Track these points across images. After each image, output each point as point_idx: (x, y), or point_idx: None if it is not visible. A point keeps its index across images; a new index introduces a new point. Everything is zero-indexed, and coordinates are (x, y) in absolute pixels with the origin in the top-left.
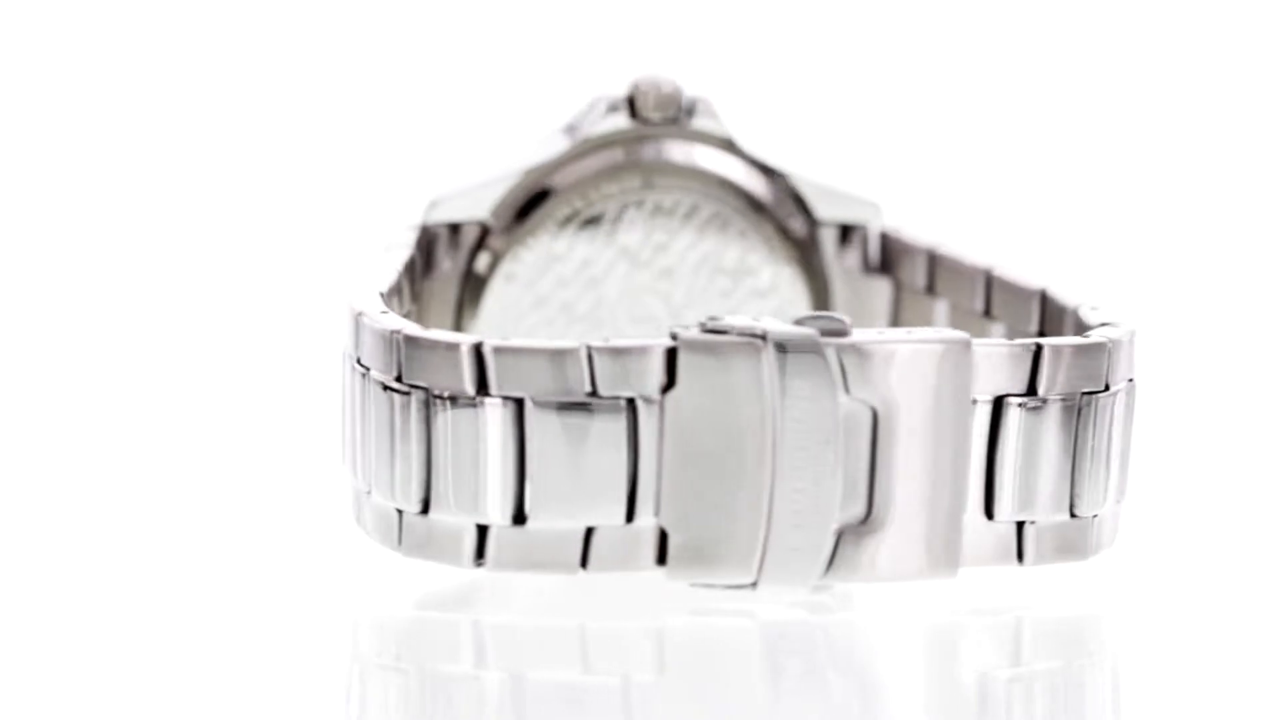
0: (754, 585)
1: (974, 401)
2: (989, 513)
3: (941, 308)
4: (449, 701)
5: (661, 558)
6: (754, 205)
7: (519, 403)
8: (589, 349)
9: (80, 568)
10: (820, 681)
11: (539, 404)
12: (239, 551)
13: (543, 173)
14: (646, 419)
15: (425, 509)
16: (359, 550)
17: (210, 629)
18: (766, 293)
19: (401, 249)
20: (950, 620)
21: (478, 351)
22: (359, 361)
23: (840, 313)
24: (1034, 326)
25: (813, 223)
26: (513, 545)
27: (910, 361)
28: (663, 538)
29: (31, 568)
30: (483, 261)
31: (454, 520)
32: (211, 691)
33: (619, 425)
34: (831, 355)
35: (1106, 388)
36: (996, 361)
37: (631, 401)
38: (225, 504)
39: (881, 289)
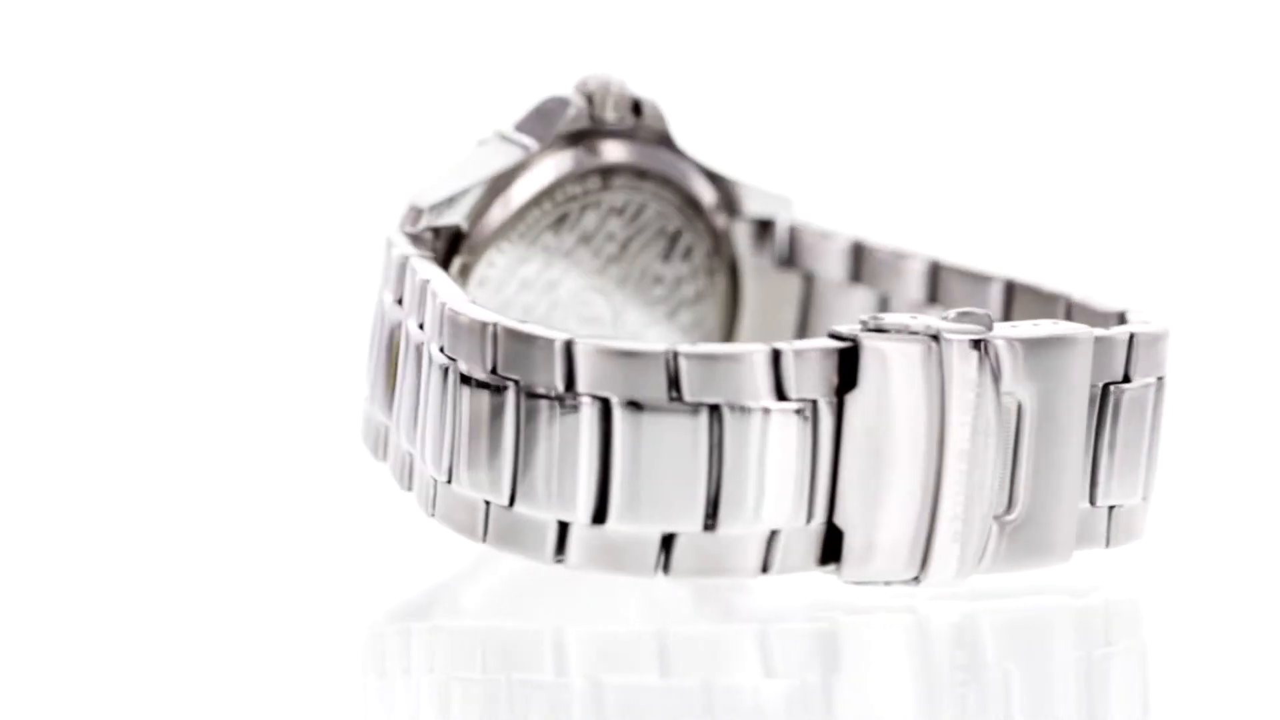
0: (916, 580)
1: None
2: (1092, 499)
3: (867, 297)
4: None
5: (825, 558)
6: (692, 204)
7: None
8: (773, 350)
9: (84, 567)
10: (979, 674)
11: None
12: (241, 552)
13: (512, 176)
14: (826, 420)
15: (512, 502)
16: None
17: (216, 629)
18: (696, 299)
19: (403, 248)
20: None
21: (673, 358)
22: (442, 351)
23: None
24: (998, 312)
25: (732, 218)
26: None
27: (1051, 354)
28: (830, 538)
29: (49, 567)
30: (457, 266)
31: (540, 515)
32: (220, 693)
33: (795, 428)
34: (991, 350)
35: (1129, 379)
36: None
37: (814, 403)
38: (226, 504)
39: (791, 282)
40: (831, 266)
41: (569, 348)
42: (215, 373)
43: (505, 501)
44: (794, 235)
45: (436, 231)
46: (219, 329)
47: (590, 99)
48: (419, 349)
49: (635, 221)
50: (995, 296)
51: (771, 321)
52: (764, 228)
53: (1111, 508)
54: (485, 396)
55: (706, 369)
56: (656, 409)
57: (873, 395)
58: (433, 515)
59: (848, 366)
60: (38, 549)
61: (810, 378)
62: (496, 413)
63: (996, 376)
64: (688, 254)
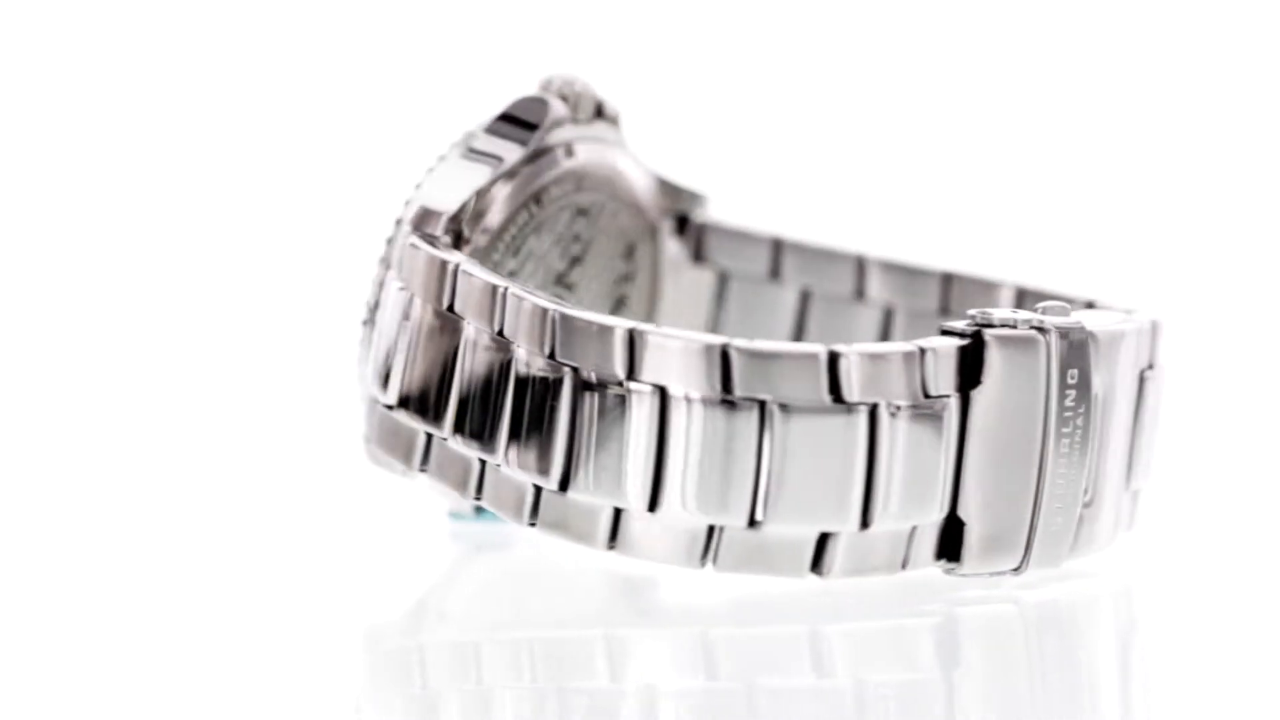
0: (1018, 570)
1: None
2: (1127, 483)
3: (789, 293)
4: None
5: (941, 552)
6: (638, 204)
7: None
8: (919, 349)
9: (84, 568)
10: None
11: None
12: (247, 557)
13: (503, 179)
14: (954, 416)
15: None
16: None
17: (221, 636)
18: (633, 295)
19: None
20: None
21: (723, 353)
22: (500, 334)
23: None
24: (935, 305)
25: (660, 215)
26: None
27: (1117, 344)
28: (947, 533)
29: (51, 567)
30: None
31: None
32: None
33: (933, 425)
34: (1080, 342)
35: (1153, 365)
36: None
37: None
38: (229, 505)
39: (705, 279)
40: (755, 263)
41: (725, 352)
42: (210, 375)
43: (646, 506)
44: (710, 231)
45: (457, 235)
46: (209, 328)
47: (564, 99)
48: (503, 359)
49: (598, 222)
50: (933, 289)
51: (688, 318)
52: (682, 223)
53: (1136, 491)
54: (606, 400)
55: (871, 369)
56: (812, 410)
57: (994, 390)
58: (538, 526)
59: (971, 363)
60: (44, 547)
61: (945, 375)
62: (633, 419)
63: (1087, 367)
64: (630, 252)
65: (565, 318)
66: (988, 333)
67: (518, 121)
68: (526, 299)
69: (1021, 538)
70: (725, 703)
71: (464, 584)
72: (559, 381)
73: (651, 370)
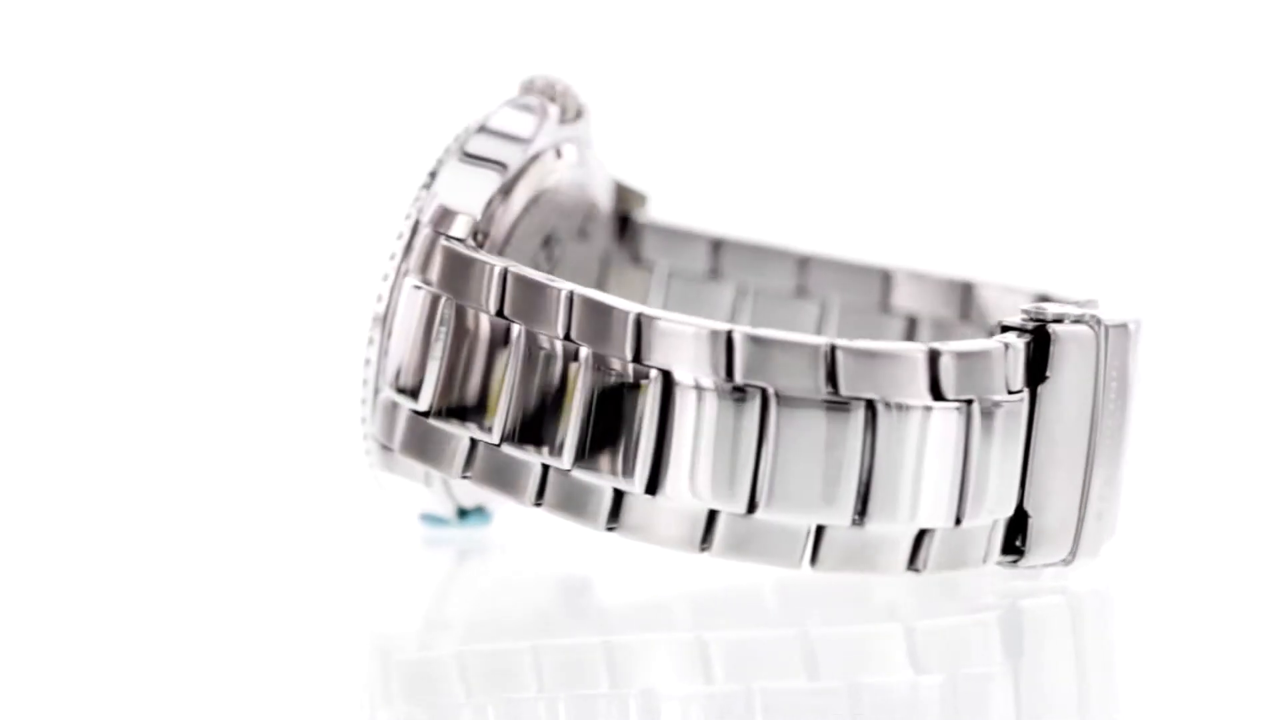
0: (1066, 561)
1: None
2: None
3: (728, 291)
4: None
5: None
6: (597, 204)
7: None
8: (1006, 345)
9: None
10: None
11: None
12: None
13: (514, 181)
14: (1025, 410)
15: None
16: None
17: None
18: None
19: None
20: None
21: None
22: (568, 338)
23: None
24: (876, 299)
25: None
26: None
27: (1128, 338)
28: (1012, 528)
29: (53, 559)
30: None
31: (794, 521)
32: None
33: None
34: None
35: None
36: None
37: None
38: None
39: (645, 278)
40: (691, 262)
41: (832, 351)
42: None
43: (744, 510)
44: (650, 231)
45: (480, 237)
46: (216, 327)
47: (553, 100)
48: (585, 362)
49: (571, 218)
50: (874, 285)
51: None
52: (624, 224)
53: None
54: (736, 403)
55: (966, 365)
56: (916, 408)
57: (1058, 383)
58: (618, 530)
59: (1037, 358)
60: (49, 539)
61: (1019, 371)
62: (747, 422)
63: (1126, 360)
64: (592, 250)
65: (645, 318)
66: (1055, 328)
67: (516, 124)
68: (603, 302)
69: (1072, 527)
70: (827, 703)
71: (460, 591)
72: (642, 383)
73: (760, 372)
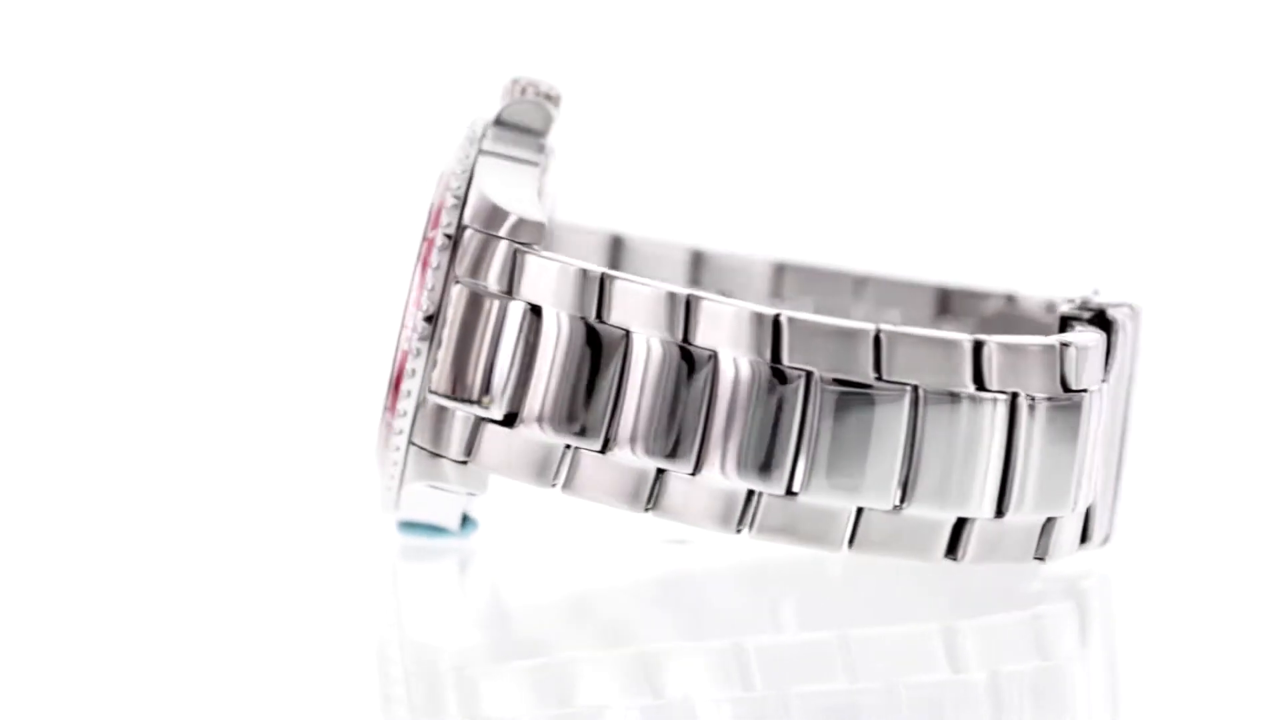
0: (1105, 542)
1: None
2: None
3: None
4: None
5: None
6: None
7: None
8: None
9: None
10: None
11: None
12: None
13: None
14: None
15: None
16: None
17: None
18: None
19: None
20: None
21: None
22: (686, 340)
23: None
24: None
25: None
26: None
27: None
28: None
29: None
30: None
31: (938, 515)
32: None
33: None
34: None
35: None
36: None
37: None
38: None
39: None
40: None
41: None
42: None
43: (894, 504)
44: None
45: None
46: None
47: (550, 99)
48: (702, 366)
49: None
50: (845, 288)
51: None
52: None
53: None
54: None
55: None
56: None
57: (1114, 375)
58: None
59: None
60: (52, 534)
61: (1088, 367)
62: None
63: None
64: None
65: (794, 320)
66: (1119, 315)
67: (533, 118)
68: (728, 304)
69: (1109, 512)
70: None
71: (468, 600)
72: (787, 384)
73: (901, 370)
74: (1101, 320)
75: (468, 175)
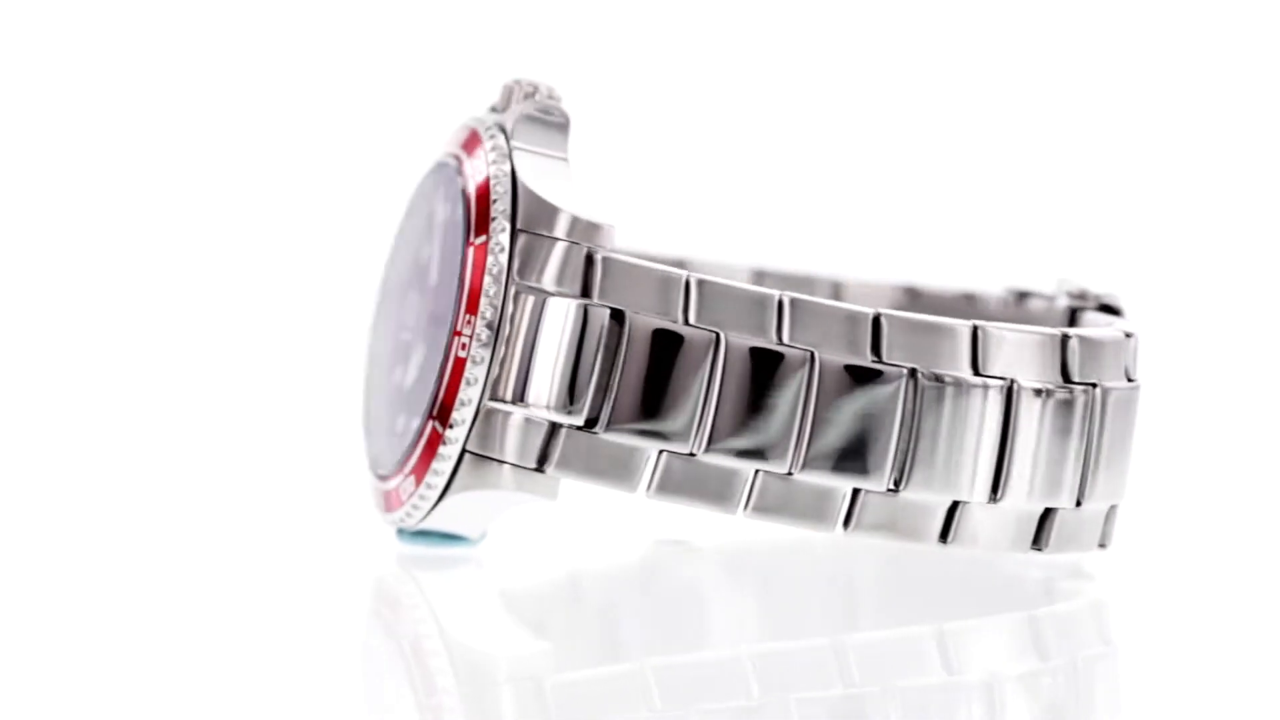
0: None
1: None
2: None
3: None
4: None
5: None
6: None
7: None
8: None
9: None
10: None
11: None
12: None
13: None
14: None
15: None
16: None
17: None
18: None
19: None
20: None
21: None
22: (784, 341)
23: None
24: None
25: None
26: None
27: None
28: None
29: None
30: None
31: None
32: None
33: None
34: None
35: None
36: None
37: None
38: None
39: None
40: None
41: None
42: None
43: (986, 497)
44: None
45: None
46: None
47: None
48: (798, 365)
49: None
50: (823, 290)
51: None
52: None
53: None
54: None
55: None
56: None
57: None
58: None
59: None
60: (52, 531)
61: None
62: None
63: None
64: None
65: (892, 319)
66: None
67: (553, 118)
68: (825, 304)
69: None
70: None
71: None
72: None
73: (999, 364)
74: (1110, 310)
75: (511, 178)
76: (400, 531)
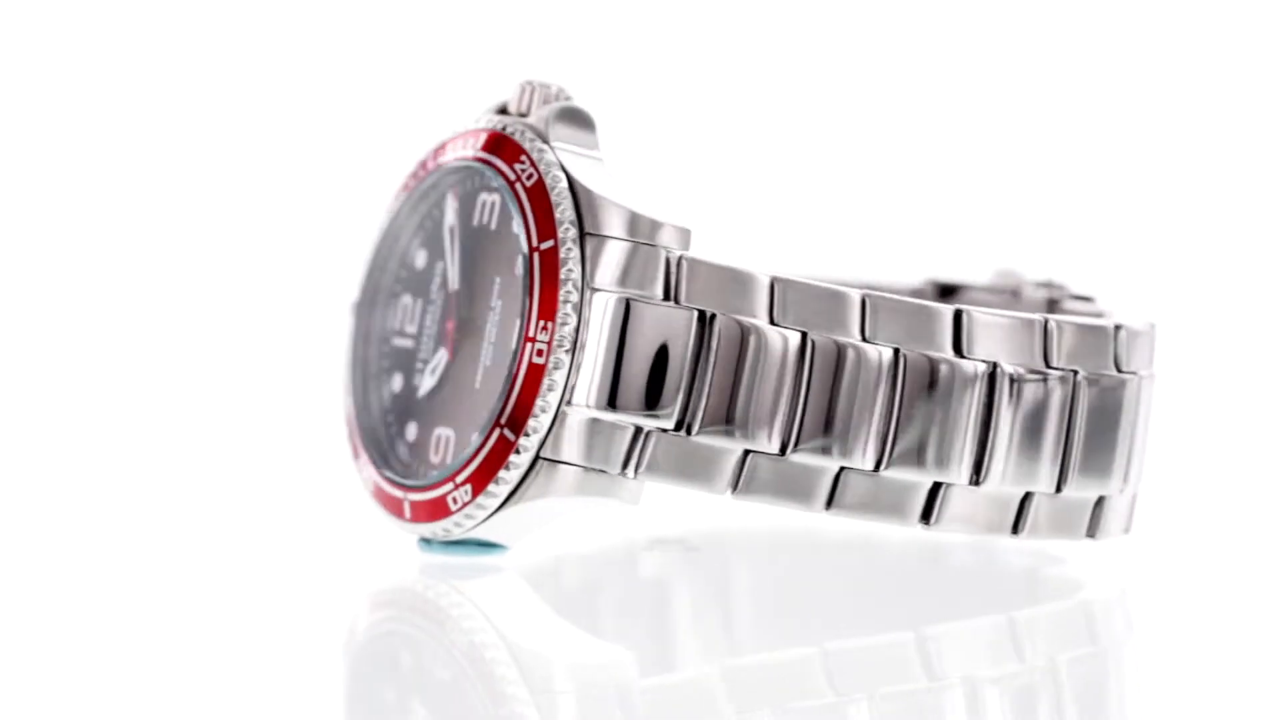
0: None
1: None
2: None
3: None
4: None
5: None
6: None
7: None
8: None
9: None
10: None
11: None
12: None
13: None
14: None
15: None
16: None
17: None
18: None
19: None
20: None
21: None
22: (868, 338)
23: None
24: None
25: None
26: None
27: None
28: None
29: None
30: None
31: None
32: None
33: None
34: None
35: None
36: None
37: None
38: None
39: None
40: None
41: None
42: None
43: (1053, 489)
44: None
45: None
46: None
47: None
48: (883, 363)
49: None
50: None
51: None
52: None
53: None
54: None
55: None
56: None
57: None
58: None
59: None
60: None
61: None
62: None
63: None
64: None
65: (971, 317)
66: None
67: (580, 120)
68: (906, 302)
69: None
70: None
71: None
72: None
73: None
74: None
75: (566, 180)
76: (428, 541)
